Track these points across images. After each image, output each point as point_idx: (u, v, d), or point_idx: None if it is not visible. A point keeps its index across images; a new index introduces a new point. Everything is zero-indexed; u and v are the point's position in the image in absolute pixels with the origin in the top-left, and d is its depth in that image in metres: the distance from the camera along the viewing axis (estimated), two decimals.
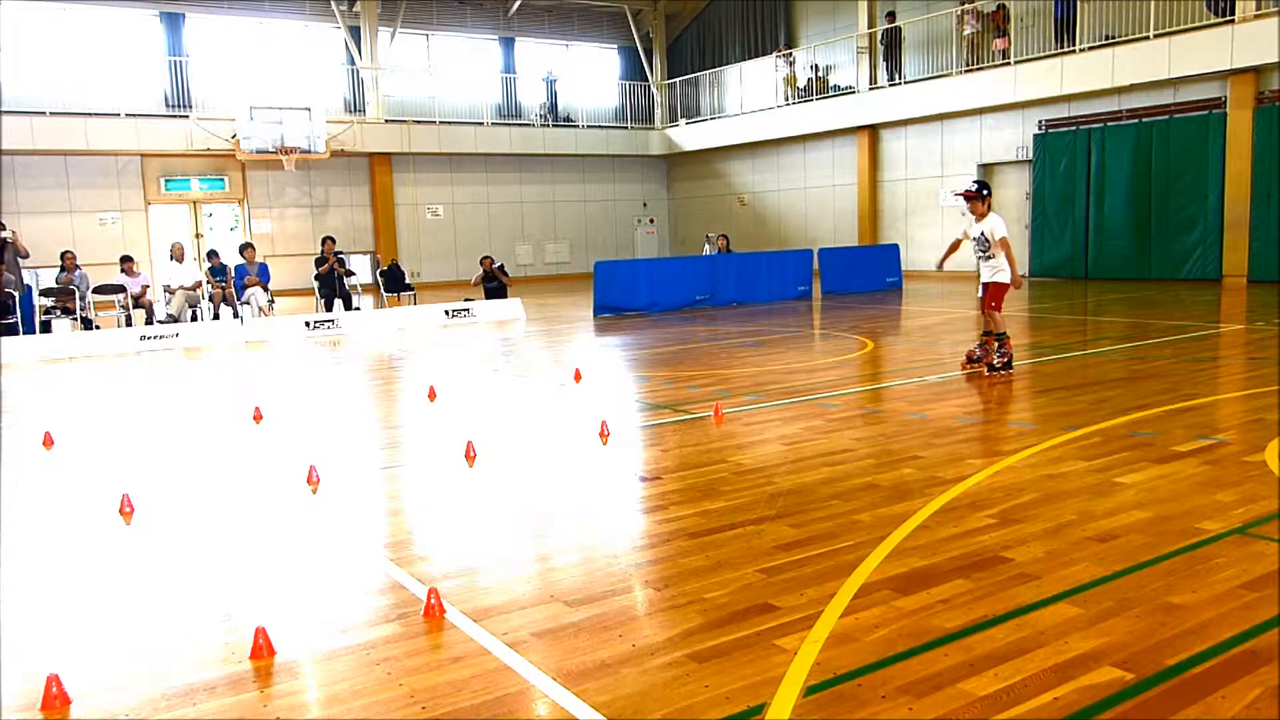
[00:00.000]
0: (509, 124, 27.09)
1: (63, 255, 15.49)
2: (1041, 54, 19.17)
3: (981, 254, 8.76)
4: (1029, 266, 20.45)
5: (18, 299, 14.37)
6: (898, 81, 22.44)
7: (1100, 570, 3.84)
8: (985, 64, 20.22)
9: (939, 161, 22.14)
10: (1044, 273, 20.04)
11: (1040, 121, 19.91)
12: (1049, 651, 3.13)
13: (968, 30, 20.55)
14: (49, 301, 14.92)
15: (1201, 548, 4.06)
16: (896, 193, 23.36)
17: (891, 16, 22.48)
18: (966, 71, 20.47)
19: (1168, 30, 16.99)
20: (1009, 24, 20.02)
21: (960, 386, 8.32)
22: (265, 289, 16.45)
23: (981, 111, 20.81)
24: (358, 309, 17.00)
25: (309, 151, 22.89)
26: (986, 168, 21.30)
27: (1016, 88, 19.41)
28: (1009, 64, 19.56)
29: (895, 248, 20.06)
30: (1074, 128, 19.33)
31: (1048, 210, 19.91)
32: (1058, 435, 6.18)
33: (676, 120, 28.83)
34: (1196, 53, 16.63)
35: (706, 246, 22.75)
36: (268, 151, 22.39)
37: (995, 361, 8.67)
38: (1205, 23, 16.67)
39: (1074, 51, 18.40)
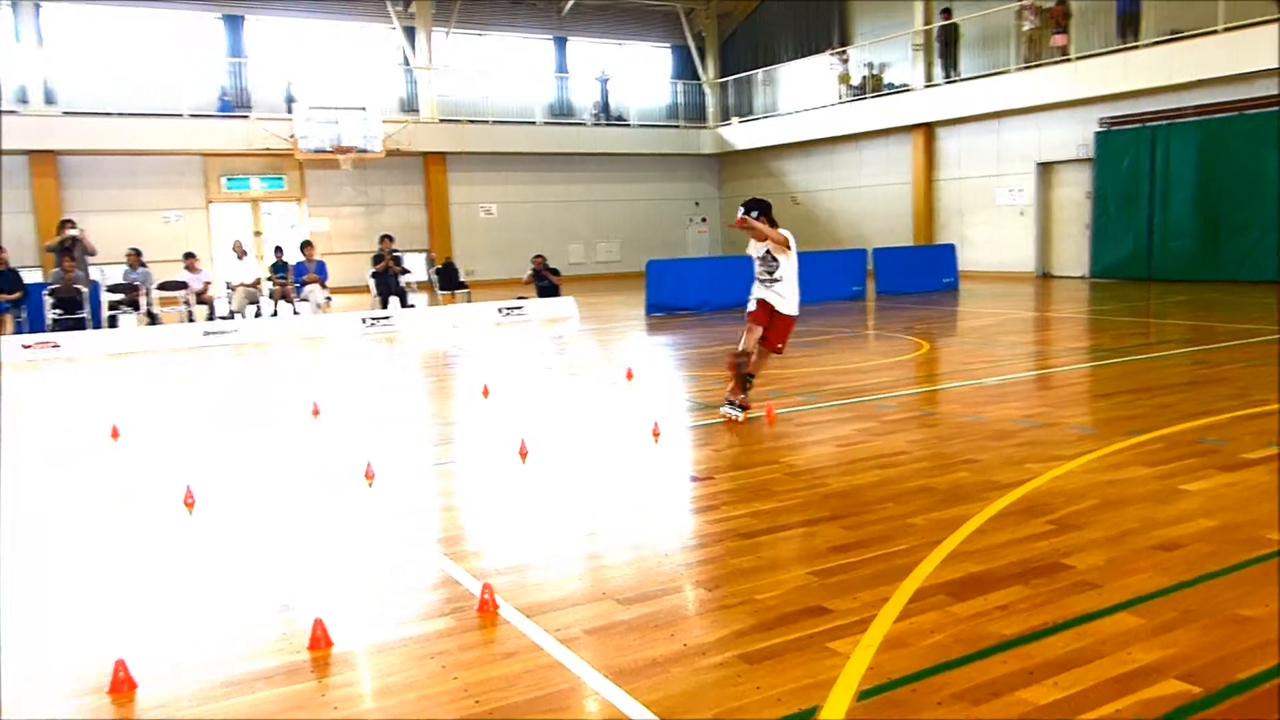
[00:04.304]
0: (561, 123, 27.22)
1: (127, 253, 15.90)
2: (1103, 50, 18.75)
3: (766, 275, 7.25)
4: (1089, 267, 20.04)
5: (86, 295, 14.77)
6: (953, 79, 22.12)
7: (1164, 580, 3.74)
8: (1044, 61, 19.85)
9: (995, 160, 21.77)
10: (1104, 274, 19.61)
11: (1101, 119, 19.47)
12: (1111, 662, 3.06)
13: (1026, 26, 20.17)
14: (116, 297, 15.31)
15: (1271, 559, 3.94)
16: (951, 192, 23.03)
17: (947, 13, 22.16)
18: (1024, 68, 20.09)
19: (1235, 24, 16.52)
20: (1069, 20, 19.61)
21: (1018, 389, 8.17)
22: (323, 286, 16.70)
23: (1040, 109, 20.42)
24: (412, 306, 17.20)
25: (365, 151, 23.22)
26: (1045, 166, 20.91)
27: (1076, 84, 19.02)
28: (1069, 60, 19.17)
29: (950, 247, 19.78)
30: (1137, 125, 18.88)
31: (1109, 210, 19.47)
32: (1119, 440, 6.04)
33: (729, 119, 28.73)
34: (1264, 48, 16.13)
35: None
36: (325, 151, 22.75)
37: (741, 400, 7.18)
38: (1273, 16, 16.17)
39: (1137, 47, 17.98)
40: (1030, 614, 3.45)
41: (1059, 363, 9.71)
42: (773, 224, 7.21)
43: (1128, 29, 18.41)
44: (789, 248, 7.16)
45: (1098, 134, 19.48)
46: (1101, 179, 19.49)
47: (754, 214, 7.19)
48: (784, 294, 7.22)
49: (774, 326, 7.26)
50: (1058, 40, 19.64)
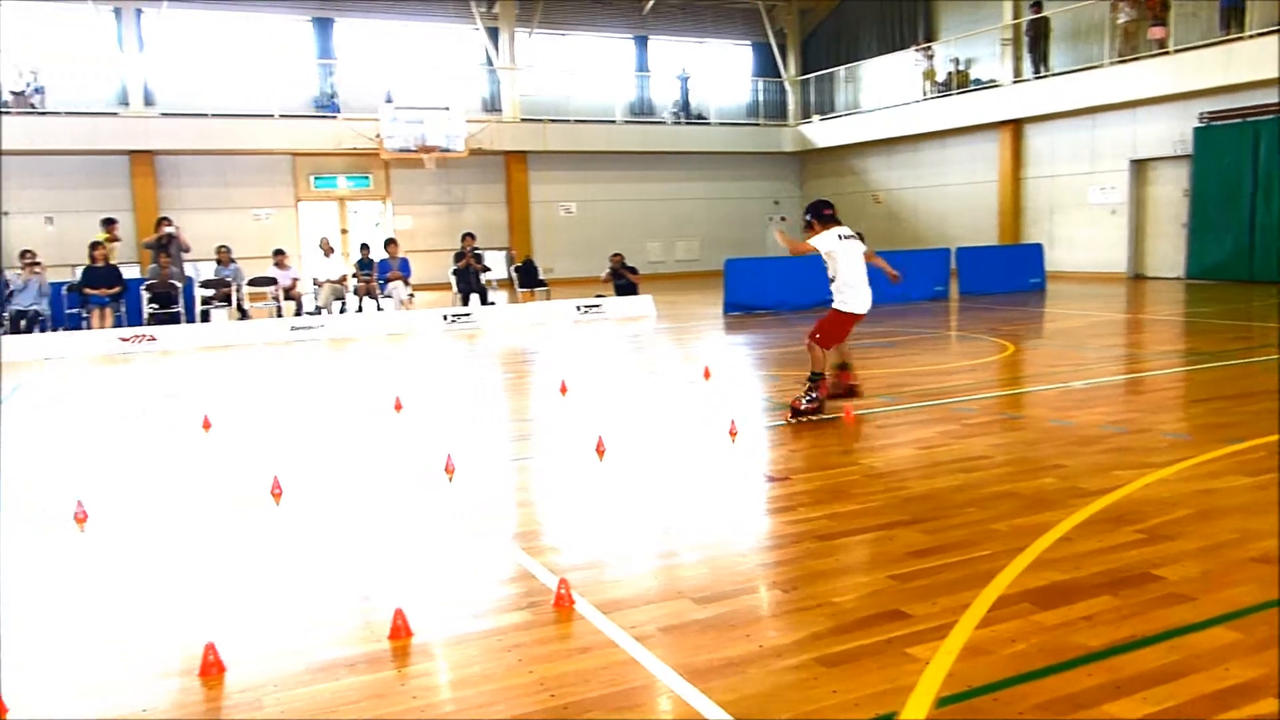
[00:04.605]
0: (641, 122, 27.28)
1: (218, 250, 16.45)
2: (1204, 42, 18.03)
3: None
4: (1185, 268, 19.31)
5: (181, 290, 15.32)
6: (1044, 74, 21.52)
7: (1263, 594, 3.58)
8: (1140, 54, 19.18)
9: (1088, 157, 21.13)
10: (1201, 275, 18.87)
11: (1201, 114, 18.73)
12: (1205, 678, 2.95)
13: (1122, 18, 19.51)
14: (208, 293, 15.86)
15: None
16: (1040, 190, 22.42)
17: (1037, 7, 21.56)
18: (1119, 62, 19.44)
19: None
20: (1168, 11, 18.91)
21: (1107, 394, 7.92)
22: (406, 283, 17.04)
23: (1135, 104, 19.74)
24: (493, 304, 17.43)
25: (448, 150, 23.61)
26: (1139, 163, 20.22)
27: (1175, 78, 18.33)
28: (1167, 53, 18.48)
29: (1038, 247, 19.26)
30: (1239, 120, 18.12)
31: (1208, 208, 18.72)
32: (1216, 448, 5.81)
33: (810, 116, 28.43)
34: None
35: None
36: (409, 150, 23.20)
37: (802, 405, 7.10)
38: None
39: (1242, 38, 17.25)
40: (1118, 625, 3.34)
41: (1152, 366, 9.38)
42: (829, 222, 7.31)
43: (1231, 20, 17.66)
44: (818, 251, 7.23)
45: (1197, 129, 18.75)
46: (1200, 176, 18.77)
47: (806, 217, 7.51)
48: (836, 291, 7.30)
49: (823, 317, 7.35)
50: (1156, 33, 18.94)
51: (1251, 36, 17.08)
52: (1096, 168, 20.91)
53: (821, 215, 7.34)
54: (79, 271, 15.16)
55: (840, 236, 7.27)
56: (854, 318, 7.31)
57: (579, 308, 16.31)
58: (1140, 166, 20.29)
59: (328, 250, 17.12)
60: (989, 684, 2.95)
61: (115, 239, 16.17)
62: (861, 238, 7.33)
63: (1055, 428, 6.60)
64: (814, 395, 7.15)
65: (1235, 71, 17.31)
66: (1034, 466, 5.56)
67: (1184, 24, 18.69)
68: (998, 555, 4.08)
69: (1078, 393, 7.89)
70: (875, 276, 7.48)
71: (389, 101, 23.60)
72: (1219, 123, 18.48)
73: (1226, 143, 18.26)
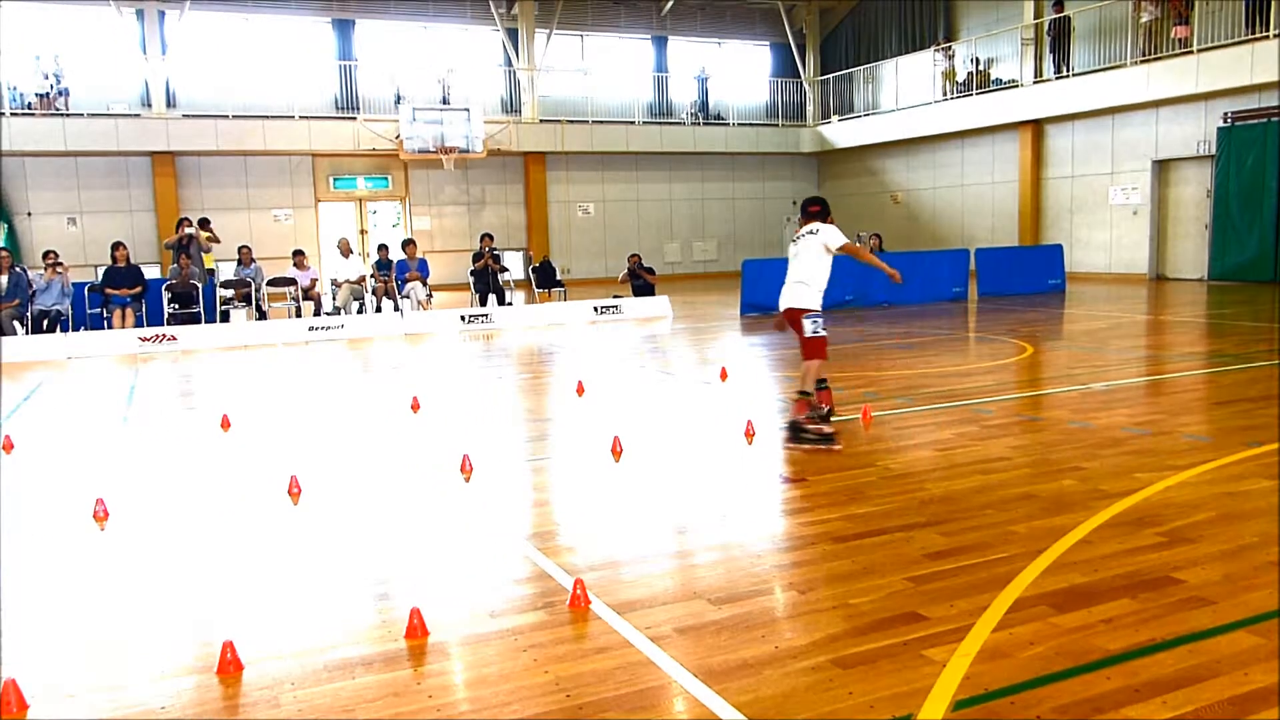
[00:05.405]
0: (660, 123, 27.27)
1: (239, 250, 16.57)
2: (1228, 41, 17.86)
3: None
4: (1207, 269, 19.14)
5: (201, 290, 15.43)
6: (1065, 74, 21.38)
7: None
8: (1163, 53, 19.01)
9: (1109, 158, 20.97)
10: (1224, 276, 18.70)
11: (1226, 114, 18.56)
12: (1226, 682, 2.92)
13: (1145, 18, 19.35)
14: (228, 293, 15.96)
15: None
16: (1060, 191, 22.27)
17: (1060, 6, 21.41)
18: (1142, 62, 19.29)
19: None
20: (1191, 10, 18.73)
21: (1128, 395, 7.86)
22: (424, 284, 17.09)
23: (1158, 104, 19.59)
24: (510, 304, 17.47)
25: (467, 151, 23.68)
26: (1161, 164, 20.05)
27: (1199, 78, 18.15)
28: (1191, 53, 18.32)
29: (1058, 248, 19.12)
30: (1264, 119, 17.93)
31: (1231, 208, 18.55)
32: (1238, 450, 5.75)
33: (829, 117, 28.35)
34: None
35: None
36: (429, 151, 23.28)
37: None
38: None
39: (1266, 37, 17.07)
40: (1138, 629, 3.32)
41: (1173, 368, 9.30)
42: (808, 219, 6.74)
43: (1258, 19, 17.47)
44: None
45: (1221, 129, 18.58)
46: (1223, 176, 18.59)
47: None
48: None
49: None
50: (1179, 32, 18.79)
51: (1277, 35, 16.90)
52: (1118, 168, 20.75)
53: (805, 212, 6.80)
54: (100, 272, 15.29)
55: (794, 239, 6.74)
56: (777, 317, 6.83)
57: (596, 308, 16.33)
58: (1162, 167, 20.12)
59: (346, 251, 17.21)
60: (1006, 687, 2.94)
61: (214, 240, 16.60)
62: (816, 228, 6.56)
63: (1075, 430, 6.56)
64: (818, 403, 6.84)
65: (1259, 71, 17.15)
66: (1053, 468, 5.52)
67: (1207, 23, 18.52)
68: (1016, 558, 4.06)
69: (1098, 395, 7.83)
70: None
71: (444, 102, 23.67)
72: (1243, 122, 18.30)
73: (1251, 142, 18.09)
